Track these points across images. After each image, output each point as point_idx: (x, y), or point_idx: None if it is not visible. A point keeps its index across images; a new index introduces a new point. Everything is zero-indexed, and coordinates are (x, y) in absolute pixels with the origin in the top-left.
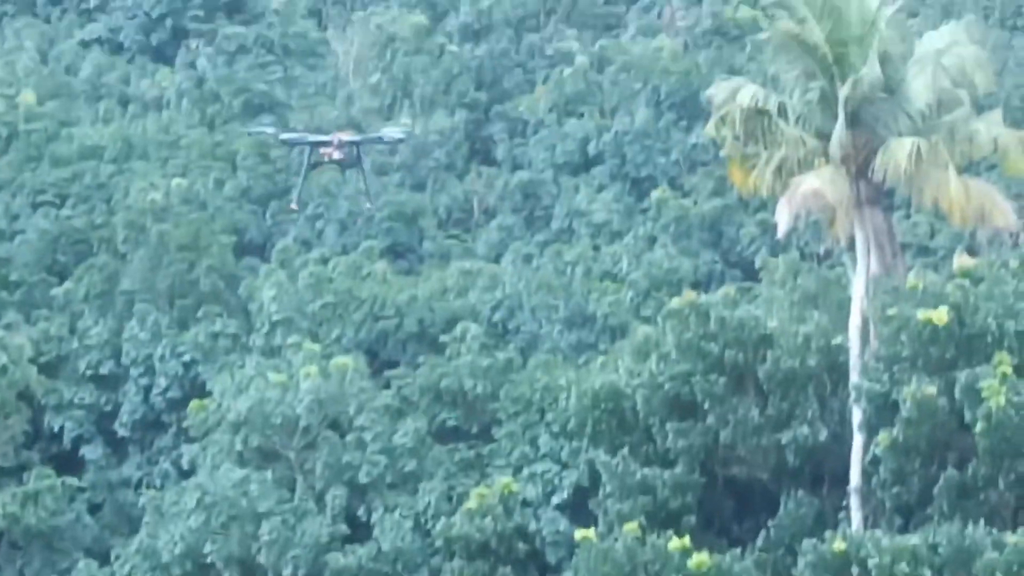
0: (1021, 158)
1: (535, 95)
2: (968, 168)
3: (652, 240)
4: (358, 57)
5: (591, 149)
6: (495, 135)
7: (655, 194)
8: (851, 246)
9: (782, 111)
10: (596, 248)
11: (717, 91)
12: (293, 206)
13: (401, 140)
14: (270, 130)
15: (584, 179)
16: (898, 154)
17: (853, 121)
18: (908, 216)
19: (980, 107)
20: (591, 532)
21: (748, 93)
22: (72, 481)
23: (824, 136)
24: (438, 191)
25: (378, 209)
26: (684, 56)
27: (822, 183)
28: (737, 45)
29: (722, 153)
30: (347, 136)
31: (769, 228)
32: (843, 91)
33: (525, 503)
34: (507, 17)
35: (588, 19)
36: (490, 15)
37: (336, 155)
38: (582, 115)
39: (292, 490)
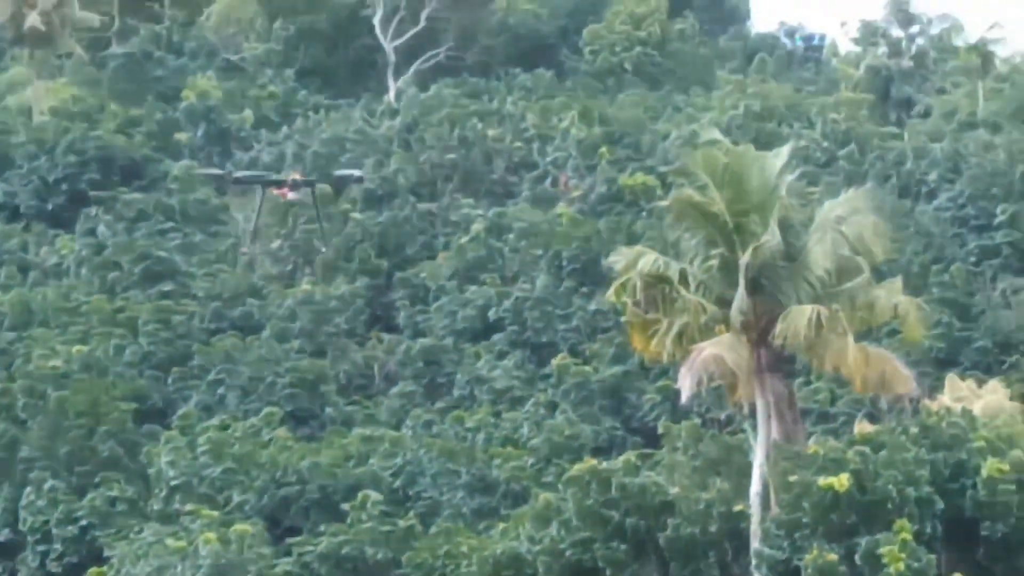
0: (920, 325)
1: (437, 261)
2: (868, 335)
3: (553, 406)
4: (259, 223)
5: (491, 315)
6: (396, 301)
7: (556, 361)
8: (752, 412)
9: (683, 278)
10: (497, 414)
11: (618, 258)
12: (244, 250)
13: (360, 179)
14: (220, 171)
15: (485, 346)
16: (798, 321)
17: (754, 288)
18: (809, 382)
19: (881, 274)
20: None
21: (648, 260)
22: None
23: (725, 303)
24: (339, 357)
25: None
26: (583, 223)
27: (723, 350)
28: (633, 211)
29: (623, 320)
30: (301, 176)
31: (670, 395)
32: (744, 258)
33: None
34: (409, 184)
35: (484, 186)
36: (394, 181)
37: (290, 195)
38: (483, 282)
39: None
